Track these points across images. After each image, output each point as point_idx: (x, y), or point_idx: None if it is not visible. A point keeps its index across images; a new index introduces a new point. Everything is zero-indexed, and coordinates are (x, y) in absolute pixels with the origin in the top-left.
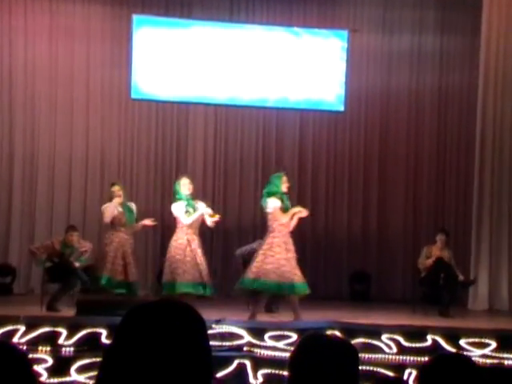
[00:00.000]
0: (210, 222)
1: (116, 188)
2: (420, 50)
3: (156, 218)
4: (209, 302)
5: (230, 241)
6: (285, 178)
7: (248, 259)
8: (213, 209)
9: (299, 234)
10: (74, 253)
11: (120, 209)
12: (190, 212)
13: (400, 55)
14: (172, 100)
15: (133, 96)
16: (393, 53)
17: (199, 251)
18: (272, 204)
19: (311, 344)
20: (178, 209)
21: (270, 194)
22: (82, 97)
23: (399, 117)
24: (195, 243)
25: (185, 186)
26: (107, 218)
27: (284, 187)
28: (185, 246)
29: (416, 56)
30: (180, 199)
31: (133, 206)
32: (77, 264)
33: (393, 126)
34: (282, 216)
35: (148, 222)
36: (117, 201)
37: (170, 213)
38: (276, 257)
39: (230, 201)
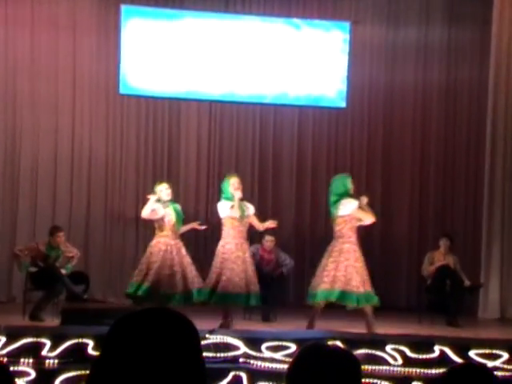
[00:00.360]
0: (260, 225)
1: (165, 186)
2: (427, 43)
3: (147, 221)
4: (207, 310)
5: None
6: (351, 180)
7: None
8: (206, 214)
9: (297, 238)
10: (59, 256)
11: (168, 210)
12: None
13: (405, 48)
14: (163, 95)
15: (121, 91)
16: (398, 45)
17: (248, 255)
18: (351, 206)
19: (311, 355)
20: (223, 207)
21: (342, 196)
22: (67, 92)
23: (404, 114)
24: (244, 247)
25: (234, 185)
26: (146, 210)
27: (351, 189)
28: (232, 251)
29: (422, 49)
30: (227, 199)
31: (178, 206)
32: (63, 271)
33: (397, 124)
34: (363, 215)
35: (197, 225)
36: (154, 198)
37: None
38: (345, 263)
39: None
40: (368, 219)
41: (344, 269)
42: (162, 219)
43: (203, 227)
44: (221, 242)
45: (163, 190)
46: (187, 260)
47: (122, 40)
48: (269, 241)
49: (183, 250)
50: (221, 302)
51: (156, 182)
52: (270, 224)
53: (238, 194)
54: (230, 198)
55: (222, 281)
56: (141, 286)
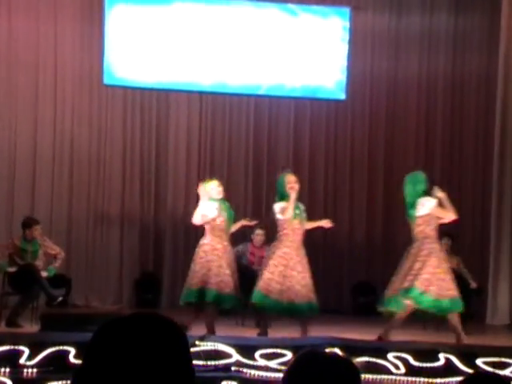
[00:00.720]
0: (309, 225)
1: (216, 184)
2: (431, 30)
3: (133, 219)
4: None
5: None
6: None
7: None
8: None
9: None
10: (37, 250)
11: (220, 210)
12: (296, 214)
13: (409, 36)
14: (151, 86)
15: (106, 81)
16: (401, 33)
17: (306, 260)
18: (429, 204)
19: (307, 363)
20: (280, 209)
21: (420, 194)
22: (48, 82)
23: (408, 106)
24: (302, 252)
25: (289, 184)
26: (197, 215)
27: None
28: (291, 256)
29: (427, 37)
30: (282, 199)
31: (229, 206)
32: (44, 273)
33: (401, 117)
34: (443, 213)
35: (246, 221)
36: (207, 199)
37: (148, 214)
38: (428, 263)
39: None
40: (448, 217)
41: (438, 275)
42: (213, 220)
43: (253, 222)
44: (278, 244)
45: (214, 188)
46: (234, 265)
47: (106, 27)
48: (259, 235)
49: (232, 255)
50: (288, 314)
51: (205, 179)
52: (325, 224)
53: (294, 194)
54: (286, 199)
55: (285, 291)
56: (204, 291)
